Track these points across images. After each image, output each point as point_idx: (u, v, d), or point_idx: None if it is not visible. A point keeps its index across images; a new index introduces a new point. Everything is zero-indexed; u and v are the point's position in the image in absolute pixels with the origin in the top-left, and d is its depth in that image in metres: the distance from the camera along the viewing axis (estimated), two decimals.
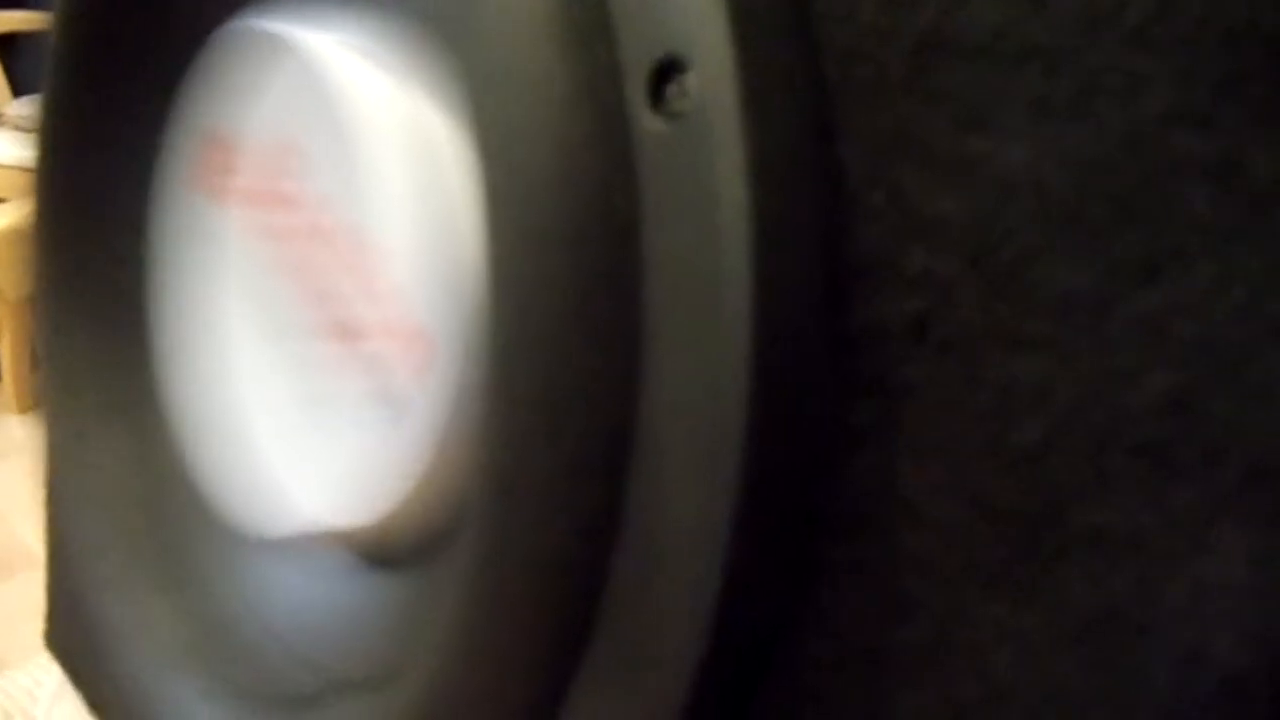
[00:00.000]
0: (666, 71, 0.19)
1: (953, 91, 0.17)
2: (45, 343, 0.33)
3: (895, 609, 0.19)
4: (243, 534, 0.30)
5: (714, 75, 0.19)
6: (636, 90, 0.19)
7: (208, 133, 0.31)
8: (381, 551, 0.30)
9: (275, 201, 0.29)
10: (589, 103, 0.19)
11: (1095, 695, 0.17)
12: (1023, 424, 0.17)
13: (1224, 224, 0.15)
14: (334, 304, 0.28)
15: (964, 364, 0.18)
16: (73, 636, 0.35)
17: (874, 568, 0.19)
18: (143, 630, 0.32)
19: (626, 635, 0.21)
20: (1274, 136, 0.14)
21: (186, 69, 0.30)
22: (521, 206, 0.20)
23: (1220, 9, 0.15)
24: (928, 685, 0.19)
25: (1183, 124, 0.15)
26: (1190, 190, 0.15)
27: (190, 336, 0.31)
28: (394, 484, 0.27)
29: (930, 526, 0.18)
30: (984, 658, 0.18)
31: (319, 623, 0.30)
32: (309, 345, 0.28)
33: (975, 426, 0.18)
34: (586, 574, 0.22)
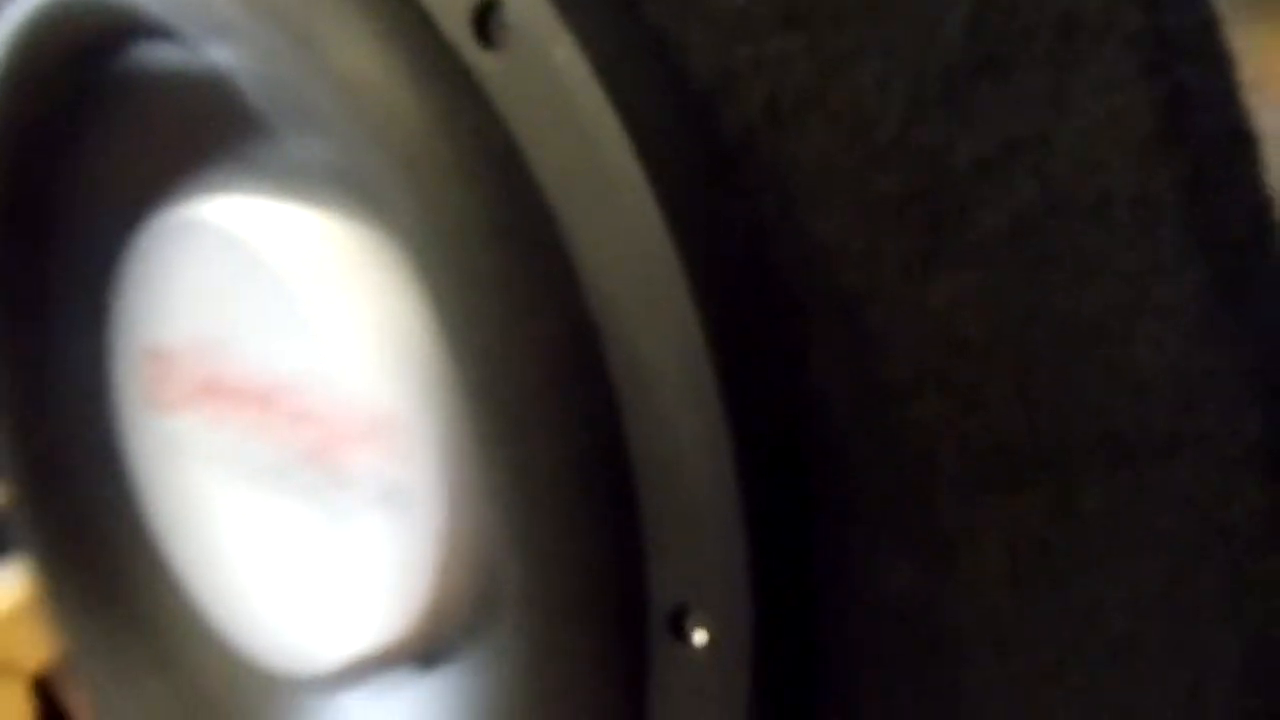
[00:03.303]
0: (485, 12, 0.22)
1: None
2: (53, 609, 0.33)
3: (866, 351, 0.20)
4: (299, 685, 0.30)
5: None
6: (465, 38, 0.22)
7: (141, 352, 0.33)
8: (436, 648, 0.30)
9: (216, 390, 0.31)
10: (429, 67, 0.22)
11: (1030, 320, 0.18)
12: (886, 116, 0.19)
13: None
14: (305, 435, 0.29)
15: (817, 109, 0.20)
16: None
17: (832, 324, 0.20)
18: None
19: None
20: None
21: (107, 288, 0.32)
22: (417, 179, 0.22)
23: None
24: (919, 408, 0.20)
25: None
26: None
27: (190, 532, 0.32)
28: (429, 571, 0.27)
29: (856, 259, 0.20)
30: (950, 340, 0.19)
31: None
32: (299, 480, 0.29)
33: (847, 149, 0.20)
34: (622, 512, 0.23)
